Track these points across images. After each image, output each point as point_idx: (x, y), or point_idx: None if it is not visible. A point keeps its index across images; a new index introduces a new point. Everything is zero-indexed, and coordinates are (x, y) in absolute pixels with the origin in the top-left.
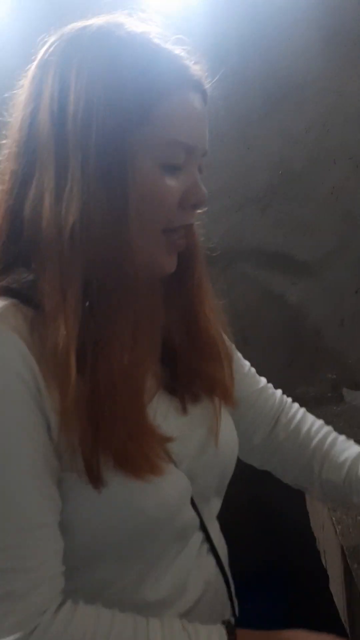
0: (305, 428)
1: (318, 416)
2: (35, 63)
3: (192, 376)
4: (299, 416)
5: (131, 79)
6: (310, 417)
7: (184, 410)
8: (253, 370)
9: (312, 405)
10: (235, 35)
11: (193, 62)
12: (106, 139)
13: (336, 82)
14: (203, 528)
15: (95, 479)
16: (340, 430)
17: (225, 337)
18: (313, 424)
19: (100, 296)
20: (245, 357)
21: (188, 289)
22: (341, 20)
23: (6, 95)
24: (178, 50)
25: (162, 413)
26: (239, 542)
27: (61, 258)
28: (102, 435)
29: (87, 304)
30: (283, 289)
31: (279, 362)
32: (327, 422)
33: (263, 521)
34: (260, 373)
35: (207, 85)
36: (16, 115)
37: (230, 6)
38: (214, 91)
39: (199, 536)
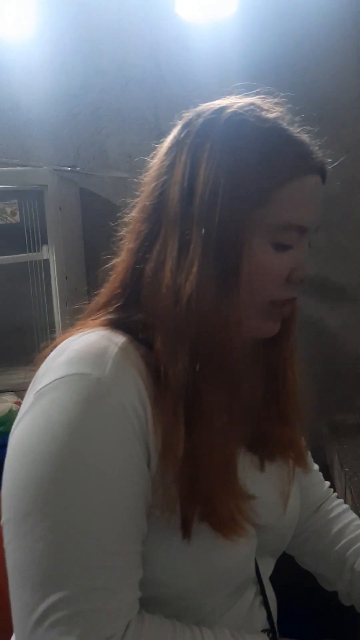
0: (345, 520)
1: (358, 445)
2: (171, 138)
3: (270, 436)
4: (341, 508)
5: (256, 165)
6: (352, 513)
7: (262, 468)
8: (309, 452)
9: (351, 433)
10: (270, 56)
11: (317, 146)
12: (227, 219)
13: None
14: (259, 581)
15: (186, 529)
16: None
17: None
18: (354, 519)
19: (206, 358)
20: None
21: (281, 351)
22: None
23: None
24: (304, 136)
25: (243, 469)
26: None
27: (175, 323)
28: (199, 490)
29: (197, 365)
30: (321, 314)
31: (317, 388)
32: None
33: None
34: None
35: (329, 167)
36: (148, 180)
37: (266, 27)
38: None
39: (252, 590)
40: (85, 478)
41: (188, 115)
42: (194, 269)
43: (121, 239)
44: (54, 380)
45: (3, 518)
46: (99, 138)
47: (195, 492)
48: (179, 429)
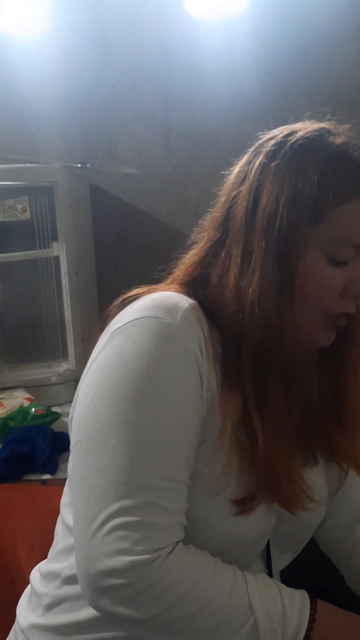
0: None
1: None
2: (245, 157)
3: (321, 442)
4: None
5: (315, 185)
6: None
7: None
8: None
9: None
10: (282, 51)
11: None
12: (285, 233)
13: None
14: (268, 565)
15: (248, 507)
16: None
17: None
18: None
19: (267, 356)
20: None
21: (343, 362)
22: None
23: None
24: None
25: None
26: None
27: (240, 326)
28: (268, 475)
29: (261, 363)
30: None
31: None
32: None
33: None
34: None
35: None
36: (223, 193)
37: (276, 23)
38: (261, 107)
39: (259, 568)
40: (153, 404)
41: (262, 137)
42: (256, 278)
43: (192, 242)
44: (130, 321)
45: (73, 441)
46: (108, 134)
47: (265, 476)
48: (251, 414)
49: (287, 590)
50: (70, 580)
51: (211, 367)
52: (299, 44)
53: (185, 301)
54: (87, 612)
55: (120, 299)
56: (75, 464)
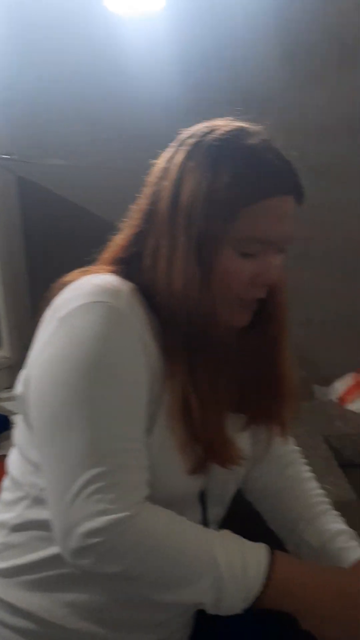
0: (306, 487)
1: None
2: (167, 153)
3: (255, 409)
4: (305, 475)
5: (227, 187)
6: (315, 482)
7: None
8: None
9: None
10: (198, 48)
11: (292, 170)
12: (203, 230)
13: (297, 96)
14: (204, 519)
15: (198, 467)
16: (311, 423)
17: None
18: (315, 488)
19: (195, 336)
20: None
21: (266, 336)
22: (301, 37)
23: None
24: (279, 161)
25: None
26: None
27: (172, 310)
28: (201, 435)
29: (192, 346)
30: None
31: None
32: (300, 417)
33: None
34: None
35: (305, 189)
36: (148, 184)
37: (193, 20)
38: (182, 101)
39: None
40: (108, 379)
41: (184, 133)
42: (181, 269)
43: (118, 229)
44: (78, 306)
45: (36, 423)
46: (34, 127)
47: (204, 442)
48: (188, 390)
49: (248, 543)
50: (16, 528)
51: (154, 345)
52: (214, 43)
53: (125, 285)
54: (32, 557)
55: (59, 284)
56: (43, 444)
